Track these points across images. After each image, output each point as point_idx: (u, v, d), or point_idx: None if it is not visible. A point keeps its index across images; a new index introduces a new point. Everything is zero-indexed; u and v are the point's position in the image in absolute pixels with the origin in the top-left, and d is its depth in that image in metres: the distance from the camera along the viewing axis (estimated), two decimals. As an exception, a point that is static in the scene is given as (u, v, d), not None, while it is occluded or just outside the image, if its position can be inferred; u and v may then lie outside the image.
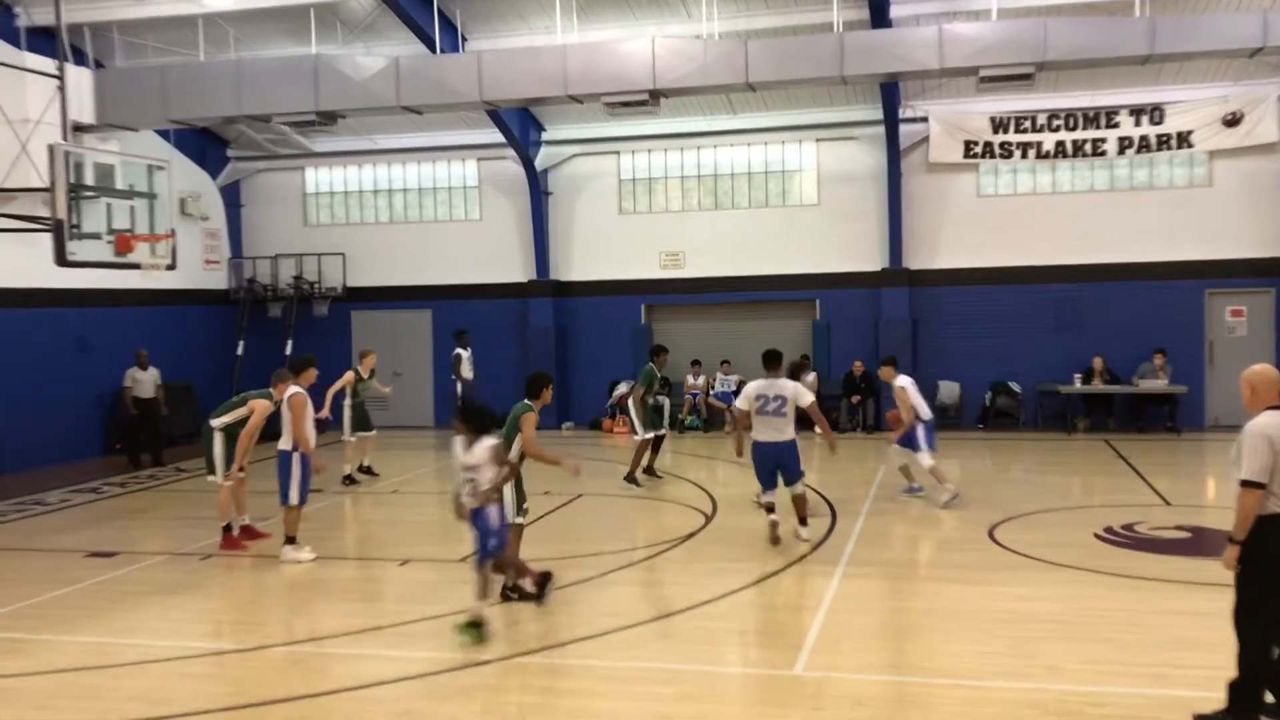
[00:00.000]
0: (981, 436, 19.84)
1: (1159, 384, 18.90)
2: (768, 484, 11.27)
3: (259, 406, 11.48)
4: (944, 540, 11.33)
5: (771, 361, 11.31)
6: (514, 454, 9.23)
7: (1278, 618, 6.10)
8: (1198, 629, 7.96)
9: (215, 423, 11.77)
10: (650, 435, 15.56)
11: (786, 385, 11.15)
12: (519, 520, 9.44)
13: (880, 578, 10.20)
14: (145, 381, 18.12)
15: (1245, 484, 5.94)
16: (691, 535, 11.85)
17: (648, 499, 14.32)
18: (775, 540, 11.07)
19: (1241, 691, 6.17)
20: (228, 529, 11.74)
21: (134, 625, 8.98)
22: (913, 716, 6.69)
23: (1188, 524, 11.64)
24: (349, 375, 15.81)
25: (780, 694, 7.02)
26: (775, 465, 11.19)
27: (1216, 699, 6.53)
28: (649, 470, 15.82)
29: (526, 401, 9.49)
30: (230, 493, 11.71)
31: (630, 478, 15.23)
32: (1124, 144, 19.62)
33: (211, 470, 11.77)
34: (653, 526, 12.62)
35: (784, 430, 11.09)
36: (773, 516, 11.18)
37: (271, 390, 11.42)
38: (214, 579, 10.50)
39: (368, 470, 16.26)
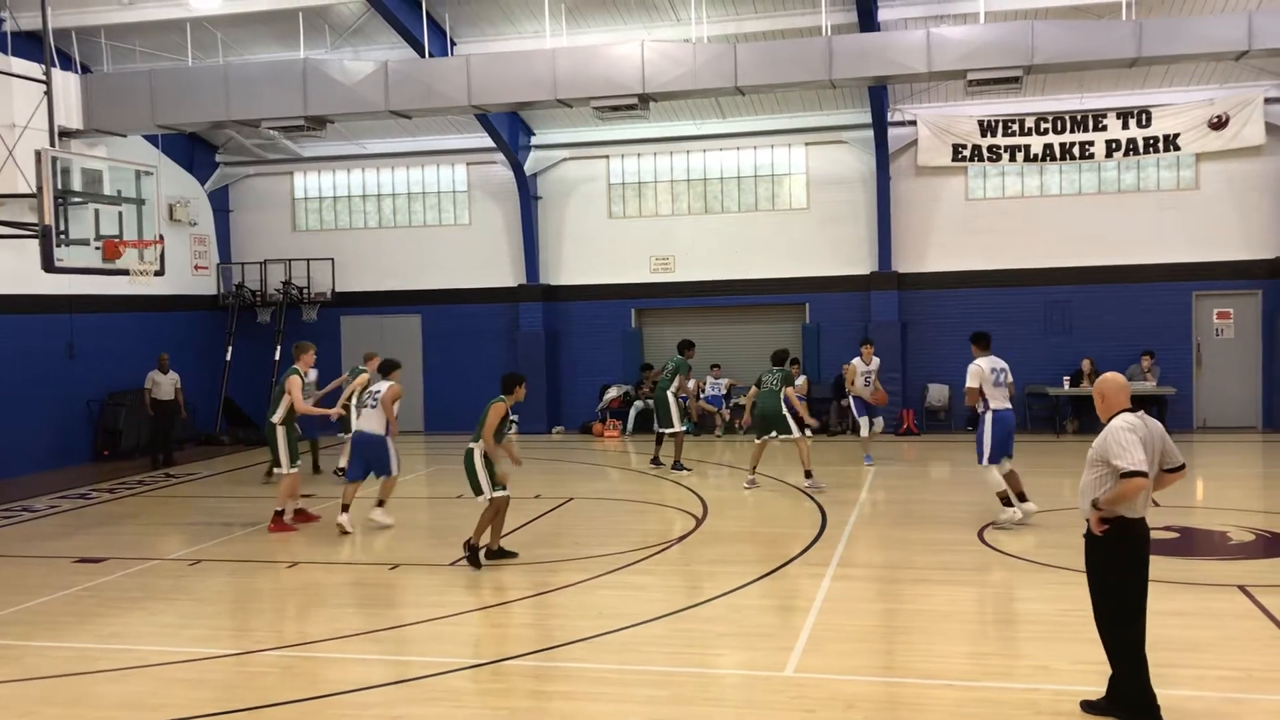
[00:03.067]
0: (971, 439, 19.83)
1: (1147, 385, 18.96)
2: (1008, 451, 11.96)
3: (293, 381, 12.78)
4: (934, 541, 11.35)
5: (982, 340, 12.26)
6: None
7: (1141, 617, 6.25)
8: (1187, 629, 8.00)
9: (275, 418, 12.68)
10: (683, 428, 16.52)
11: (999, 360, 12.13)
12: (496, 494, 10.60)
13: (871, 579, 10.22)
14: (164, 384, 18.31)
15: (1130, 474, 6.03)
16: (683, 538, 11.85)
17: (638, 502, 14.31)
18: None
19: (1138, 708, 6.23)
20: (280, 514, 12.70)
21: (123, 631, 8.94)
22: (905, 718, 6.70)
23: (1176, 524, 11.67)
24: (363, 377, 15.97)
25: (772, 696, 7.02)
26: (1011, 432, 12.03)
27: (1207, 698, 6.58)
28: (655, 461, 16.69)
29: (502, 396, 10.68)
30: (296, 480, 12.78)
31: (677, 464, 16.35)
32: (1111, 147, 19.69)
33: (278, 463, 12.81)
34: (644, 529, 12.62)
35: (1009, 400, 12.13)
36: (1011, 510, 11.82)
37: (297, 364, 13.02)
38: (203, 584, 10.46)
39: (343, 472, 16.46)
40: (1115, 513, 6.18)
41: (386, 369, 12.94)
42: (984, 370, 11.88)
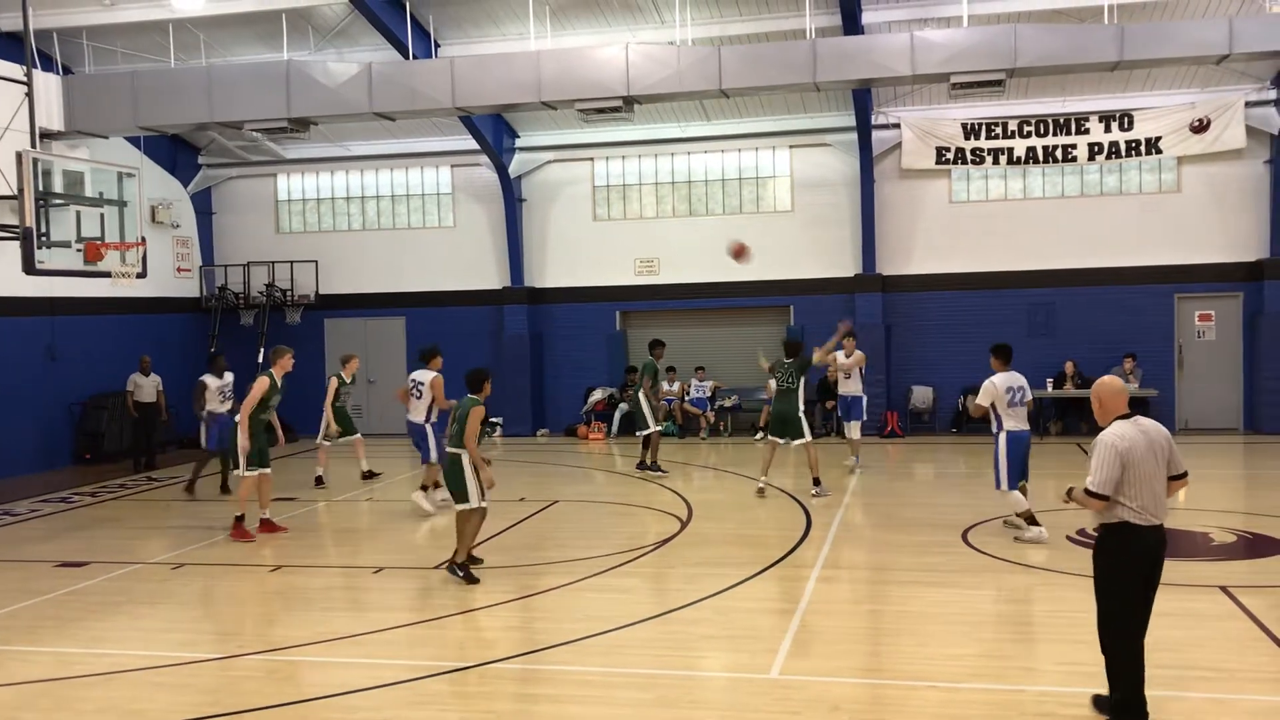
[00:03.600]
0: (955, 441, 19.95)
1: (1129, 388, 19.00)
2: (1023, 475, 11.39)
3: (258, 383, 12.49)
4: (918, 543, 11.37)
5: (1004, 354, 11.55)
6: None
7: (1140, 623, 6.26)
8: (1169, 629, 8.02)
9: (238, 418, 12.67)
10: (658, 428, 16.23)
11: (1019, 376, 11.54)
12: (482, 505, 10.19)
13: (855, 581, 10.25)
14: (146, 386, 18.25)
15: (1089, 493, 6.13)
16: (667, 540, 11.84)
17: (623, 505, 14.29)
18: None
19: (1127, 709, 6.23)
20: (240, 519, 12.39)
21: (105, 635, 8.89)
22: (889, 719, 6.71)
23: (1159, 526, 11.70)
24: (335, 381, 15.87)
25: (758, 698, 7.02)
26: (1027, 452, 11.46)
27: (1188, 699, 6.60)
28: (641, 464, 16.43)
29: (474, 396, 10.18)
30: (252, 484, 12.48)
31: (654, 465, 16.20)
32: (1094, 150, 19.79)
33: (236, 464, 12.80)
34: (628, 532, 12.59)
35: (1026, 420, 11.57)
36: (1038, 529, 11.16)
37: (272, 368, 12.70)
38: (186, 588, 10.40)
39: (370, 474, 16.26)
40: (1079, 503, 6.29)
41: (427, 356, 13.74)
42: (999, 389, 11.28)
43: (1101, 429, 6.34)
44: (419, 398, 13.58)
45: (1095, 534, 6.40)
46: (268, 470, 12.66)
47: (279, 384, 12.73)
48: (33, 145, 13.26)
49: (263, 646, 8.44)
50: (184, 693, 7.45)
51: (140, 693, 7.44)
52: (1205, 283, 20.02)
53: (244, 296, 22.81)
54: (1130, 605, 6.24)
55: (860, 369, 16.28)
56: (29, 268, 12.58)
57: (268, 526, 12.65)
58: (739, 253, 14.77)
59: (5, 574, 11.10)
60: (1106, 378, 6.51)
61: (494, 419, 21.88)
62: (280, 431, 12.89)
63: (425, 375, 13.61)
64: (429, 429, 13.52)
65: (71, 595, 10.14)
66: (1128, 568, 6.22)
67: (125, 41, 18.57)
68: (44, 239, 12.71)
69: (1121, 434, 6.17)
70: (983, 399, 11.36)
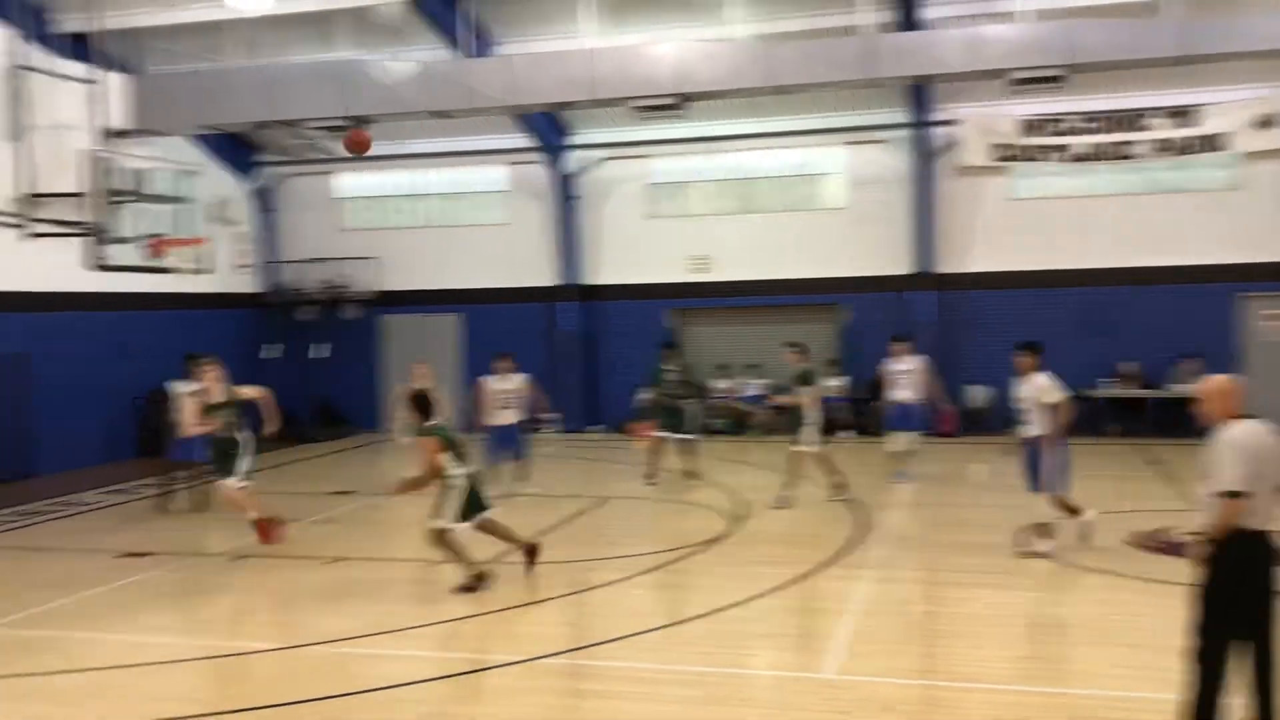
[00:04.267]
0: (1010, 442, 19.66)
1: (1190, 388, 18.67)
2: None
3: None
4: (972, 544, 11.26)
5: (1041, 352, 10.93)
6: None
7: (1231, 639, 5.96)
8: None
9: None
10: (659, 435, 15.81)
11: None
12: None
13: (908, 581, 10.18)
14: None
15: (1228, 494, 5.80)
16: (718, 539, 11.84)
17: (674, 502, 14.30)
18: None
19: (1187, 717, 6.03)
20: (259, 521, 11.94)
21: (165, 625, 9.08)
22: (940, 721, 6.67)
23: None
24: (400, 387, 16.21)
25: (807, 698, 7.01)
26: None
27: (1243, 704, 6.47)
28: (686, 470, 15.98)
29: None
30: (232, 492, 12.07)
31: (648, 473, 15.74)
32: (1157, 146, 19.39)
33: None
34: (679, 530, 12.60)
35: None
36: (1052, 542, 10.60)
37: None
38: (244, 580, 10.59)
39: None
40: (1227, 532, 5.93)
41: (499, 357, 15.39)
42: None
43: (1207, 429, 6.03)
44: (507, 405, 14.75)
45: (1207, 538, 6.00)
46: (244, 483, 12.12)
47: (215, 398, 12.17)
48: (99, 144, 13.58)
49: (320, 637, 8.56)
50: (241, 683, 7.60)
51: (199, 682, 7.60)
52: (1269, 281, 19.57)
53: (304, 293, 23.13)
54: (1227, 615, 5.92)
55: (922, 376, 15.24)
56: (97, 264, 12.89)
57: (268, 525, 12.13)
58: (358, 144, 14.76)
59: (72, 563, 11.38)
60: (1222, 376, 6.21)
61: (549, 415, 21.99)
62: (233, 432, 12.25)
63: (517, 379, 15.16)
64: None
65: (134, 585, 10.36)
66: (1234, 575, 5.93)
67: (186, 42, 18.89)
68: (110, 236, 13.00)
69: (1246, 432, 5.92)
70: (1057, 396, 10.54)
